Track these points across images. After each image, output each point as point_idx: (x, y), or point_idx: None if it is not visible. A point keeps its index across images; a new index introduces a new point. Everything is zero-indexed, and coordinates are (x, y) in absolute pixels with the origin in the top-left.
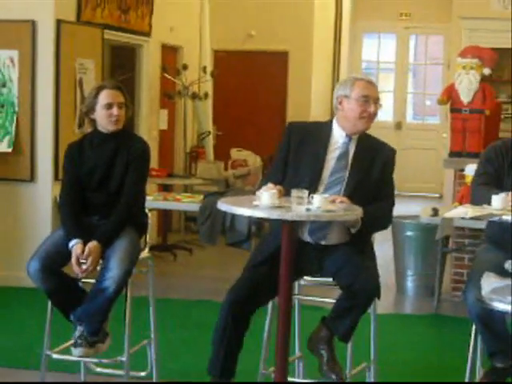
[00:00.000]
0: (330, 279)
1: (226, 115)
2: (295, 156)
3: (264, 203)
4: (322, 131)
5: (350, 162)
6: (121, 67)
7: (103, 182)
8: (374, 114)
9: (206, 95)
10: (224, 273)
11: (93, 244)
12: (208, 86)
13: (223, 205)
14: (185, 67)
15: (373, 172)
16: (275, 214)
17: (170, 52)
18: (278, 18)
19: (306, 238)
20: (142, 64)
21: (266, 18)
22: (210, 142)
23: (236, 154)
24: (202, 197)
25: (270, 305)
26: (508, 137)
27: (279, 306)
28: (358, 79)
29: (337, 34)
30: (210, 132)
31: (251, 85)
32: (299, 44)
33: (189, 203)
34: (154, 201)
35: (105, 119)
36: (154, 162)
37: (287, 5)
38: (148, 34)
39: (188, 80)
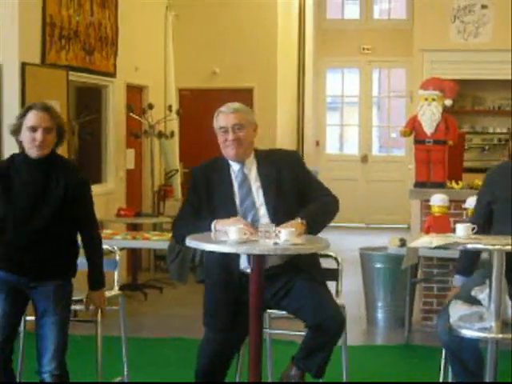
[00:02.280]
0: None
1: (192, 153)
2: (207, 200)
3: (232, 238)
4: (222, 166)
5: (252, 185)
6: (87, 108)
7: (30, 216)
8: (237, 139)
9: (173, 133)
10: (195, 310)
11: (96, 294)
12: (174, 125)
13: (192, 241)
14: (150, 106)
15: (285, 182)
16: (243, 249)
17: (135, 91)
18: (242, 54)
19: (246, 268)
20: (108, 104)
21: (229, 55)
22: (177, 180)
23: None
24: (170, 235)
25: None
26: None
27: (250, 342)
28: (219, 112)
29: (300, 70)
30: (177, 170)
31: None
32: (263, 80)
33: (158, 241)
34: (122, 240)
35: (27, 143)
36: (121, 202)
37: (250, 42)
38: (113, 75)
39: (154, 119)
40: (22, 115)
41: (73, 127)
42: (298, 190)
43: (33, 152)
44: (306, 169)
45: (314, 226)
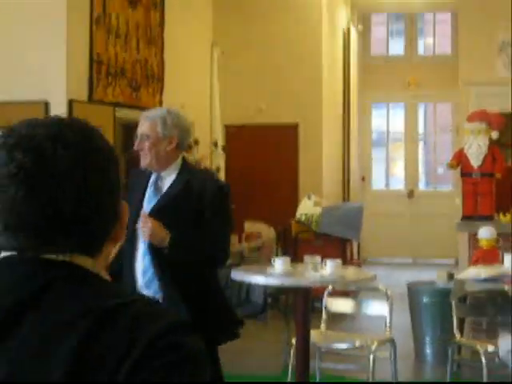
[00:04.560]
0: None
1: (238, 188)
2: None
3: (277, 270)
4: (146, 173)
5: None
6: (132, 145)
7: None
8: (142, 149)
9: (218, 169)
10: (241, 344)
11: None
12: (220, 160)
13: (238, 274)
14: (196, 142)
15: (185, 202)
16: (289, 281)
17: None
18: (287, 91)
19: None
20: None
21: (275, 91)
22: None
23: (250, 226)
24: None
25: (289, 373)
26: None
27: (297, 374)
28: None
29: (345, 105)
30: None
31: (263, 157)
32: (308, 116)
33: None
34: None
35: None
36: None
37: (296, 77)
38: None
39: (199, 155)
40: None
41: (120, 162)
42: (193, 214)
43: None
44: (218, 203)
45: (173, 247)
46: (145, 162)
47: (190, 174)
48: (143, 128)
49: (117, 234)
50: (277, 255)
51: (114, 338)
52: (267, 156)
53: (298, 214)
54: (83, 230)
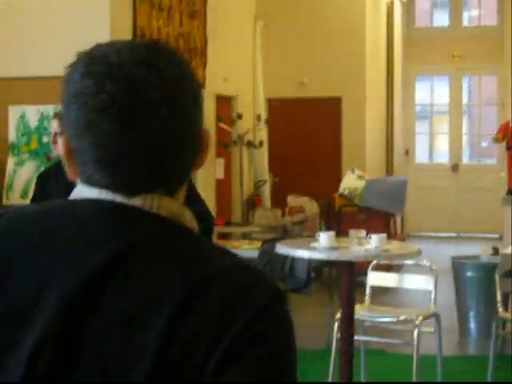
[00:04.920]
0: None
1: (281, 162)
2: None
3: (322, 245)
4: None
5: None
6: None
7: None
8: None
9: (261, 143)
10: None
11: None
12: (263, 134)
13: (282, 248)
14: (239, 116)
15: None
16: (334, 255)
17: (224, 102)
18: (330, 64)
19: None
20: None
21: (317, 65)
22: (266, 190)
23: (293, 200)
24: (260, 244)
25: (333, 348)
26: None
27: (342, 348)
28: None
29: (389, 78)
30: (266, 180)
31: (305, 131)
32: (352, 89)
33: (247, 250)
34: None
35: None
36: (211, 211)
37: (339, 51)
38: (202, 85)
39: (243, 129)
40: None
41: None
42: None
43: None
44: None
45: None
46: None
47: None
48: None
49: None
50: (320, 229)
51: (204, 317)
52: (310, 130)
53: (341, 188)
54: (174, 165)
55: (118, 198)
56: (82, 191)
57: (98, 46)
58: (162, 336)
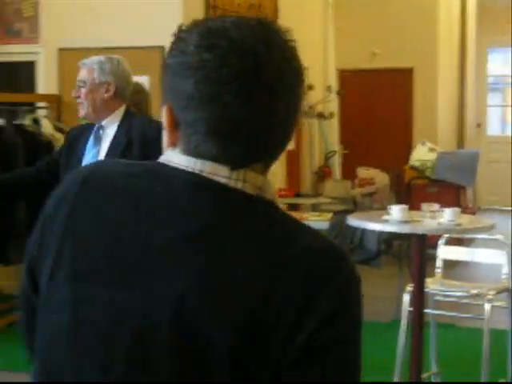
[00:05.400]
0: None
1: (352, 134)
2: (64, 162)
3: (394, 218)
4: (90, 127)
5: (102, 149)
6: None
7: None
8: (78, 97)
9: (332, 114)
10: None
11: None
12: (333, 106)
13: (354, 220)
14: (310, 87)
15: (130, 156)
16: (406, 228)
17: None
18: (402, 35)
19: None
20: None
21: (389, 35)
22: (336, 161)
23: (363, 172)
24: (330, 215)
25: (402, 321)
26: None
27: (413, 320)
28: None
29: (462, 49)
30: (336, 151)
31: (376, 103)
32: (424, 60)
33: (317, 221)
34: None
35: None
36: (281, 182)
37: (411, 22)
38: None
39: (313, 100)
40: None
41: None
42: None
43: None
44: (160, 144)
45: None
46: (82, 111)
47: (130, 123)
48: (80, 75)
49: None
50: (390, 202)
51: (287, 295)
52: (381, 101)
53: (411, 161)
54: (278, 140)
55: (218, 170)
56: (172, 157)
57: (212, 20)
58: (247, 311)
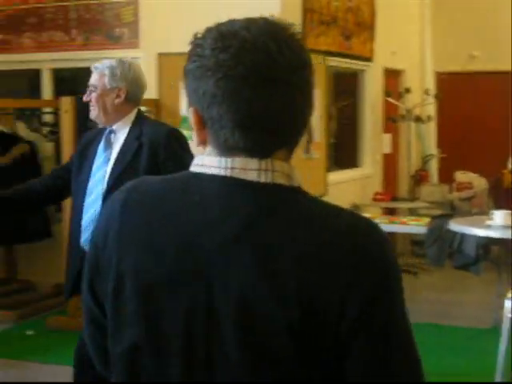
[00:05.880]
0: None
1: (449, 137)
2: (77, 166)
3: (497, 223)
4: (102, 131)
5: (113, 154)
6: (344, 93)
7: None
8: (90, 101)
9: (430, 118)
10: (450, 296)
11: None
12: (431, 109)
13: (455, 225)
14: (407, 90)
15: (140, 160)
16: (510, 234)
17: (392, 76)
18: (501, 37)
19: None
20: (365, 89)
21: (488, 37)
22: (433, 165)
23: (461, 176)
24: (428, 220)
25: (504, 328)
26: None
27: None
28: None
29: None
30: (433, 155)
31: (475, 106)
32: None
33: (415, 226)
34: (380, 223)
35: None
36: (378, 186)
37: (510, 23)
38: (370, 59)
39: (411, 103)
40: None
41: (331, 112)
42: (151, 173)
43: None
44: (171, 149)
45: None
46: (93, 114)
47: (141, 126)
48: (92, 79)
49: None
50: (489, 207)
51: (340, 266)
52: (480, 104)
53: (511, 165)
54: (297, 128)
55: (248, 163)
56: (204, 160)
57: (223, 25)
58: (303, 296)
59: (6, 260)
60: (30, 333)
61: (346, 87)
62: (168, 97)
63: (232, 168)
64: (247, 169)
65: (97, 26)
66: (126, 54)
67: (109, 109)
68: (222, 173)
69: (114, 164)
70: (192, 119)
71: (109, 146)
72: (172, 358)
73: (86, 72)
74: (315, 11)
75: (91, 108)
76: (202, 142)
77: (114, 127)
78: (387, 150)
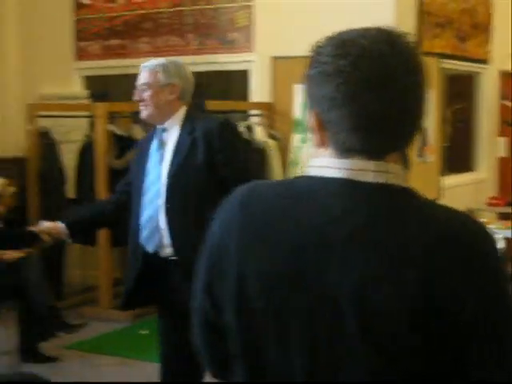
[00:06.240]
0: None
1: None
2: (135, 168)
3: None
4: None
5: (166, 154)
6: (458, 96)
7: None
8: (141, 100)
9: None
10: None
11: None
12: None
13: None
14: None
15: (196, 154)
16: None
17: (508, 78)
18: None
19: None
20: (480, 92)
21: None
22: None
23: None
24: None
25: None
26: None
27: None
28: None
29: None
30: None
31: None
32: None
33: None
34: (495, 229)
35: None
36: (493, 190)
37: None
38: (486, 62)
39: None
40: None
41: (445, 115)
42: (208, 166)
43: None
44: (225, 139)
45: None
46: (145, 112)
47: (192, 122)
48: (141, 78)
49: None
50: None
51: (455, 262)
52: None
53: None
54: (410, 130)
55: (365, 165)
56: (322, 161)
57: (342, 33)
58: (418, 290)
59: (121, 261)
60: (143, 332)
61: (461, 90)
62: (282, 100)
63: (350, 169)
64: (364, 170)
65: (211, 31)
66: (240, 57)
67: (163, 106)
68: (340, 174)
69: (171, 161)
70: (312, 122)
71: (162, 145)
72: (297, 350)
73: (198, 76)
74: (431, 13)
75: (142, 108)
76: (321, 144)
77: (165, 125)
78: (502, 153)
